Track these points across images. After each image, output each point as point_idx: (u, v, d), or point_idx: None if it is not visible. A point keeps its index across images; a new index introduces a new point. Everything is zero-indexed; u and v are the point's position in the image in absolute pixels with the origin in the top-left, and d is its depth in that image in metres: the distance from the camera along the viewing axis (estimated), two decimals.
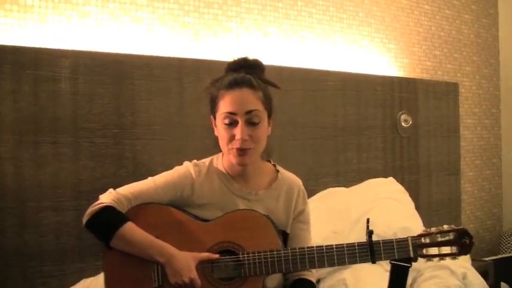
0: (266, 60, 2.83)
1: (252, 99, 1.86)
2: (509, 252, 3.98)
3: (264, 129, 1.91)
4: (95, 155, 2.32)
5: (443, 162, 3.73)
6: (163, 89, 2.49)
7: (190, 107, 2.53)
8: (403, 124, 3.43)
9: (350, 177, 3.12)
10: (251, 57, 1.98)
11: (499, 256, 3.74)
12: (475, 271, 2.60)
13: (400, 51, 3.63)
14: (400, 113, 3.43)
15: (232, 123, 1.85)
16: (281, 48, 3.05)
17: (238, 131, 1.83)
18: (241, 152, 1.85)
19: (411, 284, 2.46)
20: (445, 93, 3.73)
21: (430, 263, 2.40)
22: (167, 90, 2.50)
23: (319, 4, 3.23)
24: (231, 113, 1.84)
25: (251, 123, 1.85)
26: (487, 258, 3.63)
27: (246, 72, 1.92)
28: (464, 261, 2.62)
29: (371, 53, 3.47)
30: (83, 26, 2.40)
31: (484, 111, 4.23)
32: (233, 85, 1.87)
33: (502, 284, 2.37)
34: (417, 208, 2.98)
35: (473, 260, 2.73)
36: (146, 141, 2.44)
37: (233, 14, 2.86)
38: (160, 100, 2.48)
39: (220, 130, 1.90)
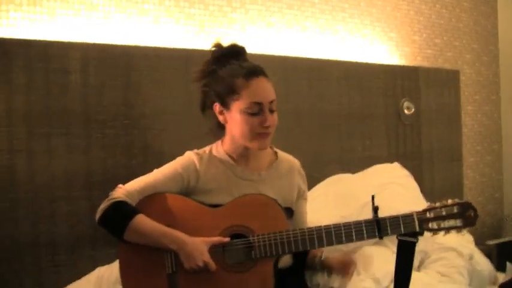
0: (270, 50, 2.90)
1: (271, 89, 1.98)
2: (511, 236, 4.02)
3: (277, 116, 2.00)
4: (105, 146, 2.36)
5: (445, 149, 3.77)
6: (170, 79, 2.53)
7: (196, 97, 2.56)
8: (405, 111, 3.46)
9: (354, 165, 3.15)
10: (239, 43, 2.09)
11: (502, 240, 3.78)
12: (480, 252, 2.65)
13: (401, 40, 3.67)
14: (403, 100, 3.47)
15: (257, 113, 1.93)
16: (285, 38, 3.08)
17: (267, 119, 1.93)
18: (265, 137, 1.96)
19: (419, 266, 2.51)
20: (446, 80, 3.77)
21: (437, 245, 2.47)
22: (174, 81, 2.54)
23: None
24: (258, 103, 1.93)
25: (272, 111, 1.96)
26: (489, 242, 3.68)
27: (235, 58, 2.03)
28: (469, 242, 2.66)
29: (373, 42, 3.51)
30: (91, 18, 2.44)
31: (484, 98, 4.26)
32: (253, 74, 1.95)
33: (508, 264, 2.41)
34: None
35: (476, 244, 2.77)
36: (156, 131, 2.48)
37: (237, 5, 2.89)
38: (168, 91, 2.52)
39: (238, 118, 1.95)
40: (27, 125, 2.21)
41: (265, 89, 1.95)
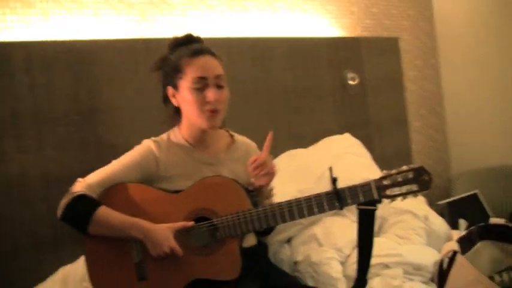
0: (212, 33, 2.90)
1: (217, 65, 1.99)
2: (460, 194, 4.14)
3: (228, 93, 2.01)
4: (58, 144, 2.33)
5: (392, 116, 3.86)
6: (118, 71, 2.51)
7: (146, 85, 2.55)
8: (350, 82, 3.50)
9: (306, 139, 3.20)
10: (194, 33, 2.09)
11: (451, 199, 3.89)
12: (434, 213, 2.74)
13: (339, 12, 3.70)
14: (346, 71, 3.51)
15: (202, 88, 1.94)
16: (227, 20, 3.09)
17: (211, 94, 1.93)
18: (214, 113, 1.95)
19: (378, 231, 2.58)
20: (386, 48, 3.84)
21: (393, 210, 2.55)
22: (122, 73, 2.52)
23: None
24: (202, 78, 1.94)
25: (219, 86, 1.96)
26: (440, 202, 3.79)
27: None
28: (423, 204, 2.76)
29: (312, 16, 3.54)
30: (30, 16, 2.38)
31: (424, 63, 4.35)
32: (198, 53, 1.97)
33: (461, 220, 2.51)
34: None
35: (429, 204, 2.87)
36: (107, 124, 2.46)
37: None
38: (117, 83, 2.50)
39: (186, 96, 1.97)
40: None
41: (209, 64, 1.97)
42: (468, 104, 4.38)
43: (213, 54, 2.00)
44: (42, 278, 2.22)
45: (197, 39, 2.07)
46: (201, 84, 1.94)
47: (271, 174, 2.00)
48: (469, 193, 3.90)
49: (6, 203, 2.20)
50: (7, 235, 2.20)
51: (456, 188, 4.18)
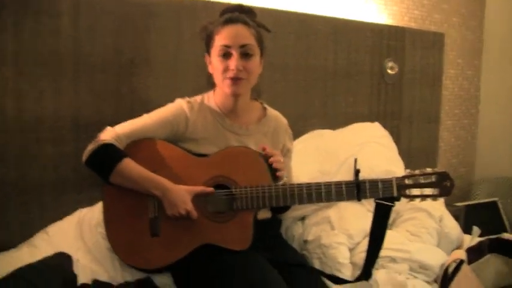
0: (260, 3, 2.89)
1: (246, 34, 1.99)
2: (479, 199, 4.13)
3: (257, 63, 2.03)
4: (94, 90, 2.35)
5: (425, 110, 3.83)
6: (161, 27, 2.51)
7: (187, 45, 2.56)
8: (389, 71, 3.49)
9: (337, 120, 3.21)
10: (245, 4, 2.09)
11: (470, 202, 3.89)
12: (449, 215, 2.73)
13: None
14: (387, 60, 3.49)
15: (227, 55, 1.97)
16: None
17: (232, 61, 1.95)
18: (235, 81, 1.97)
19: (391, 225, 2.58)
20: (431, 43, 3.79)
21: (409, 206, 2.56)
22: (165, 29, 2.52)
23: None
24: (226, 46, 1.96)
25: (245, 56, 1.97)
26: (458, 204, 3.79)
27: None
28: (440, 204, 2.75)
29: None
30: None
31: (466, 63, 4.31)
32: (228, 21, 1.99)
33: (474, 227, 2.50)
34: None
35: (445, 205, 2.86)
36: (144, 78, 2.48)
37: None
38: (158, 38, 2.50)
39: (215, 63, 2.00)
40: (15, 64, 2.17)
41: (237, 33, 1.97)
42: (503, 111, 4.33)
43: (246, 23, 2.00)
44: (61, 217, 2.27)
45: (248, 10, 2.08)
46: (225, 52, 1.97)
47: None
48: (488, 200, 3.90)
49: (35, 139, 2.23)
50: (33, 171, 2.23)
51: (477, 193, 4.17)
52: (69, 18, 2.27)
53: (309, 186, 1.92)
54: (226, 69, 1.97)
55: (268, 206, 1.96)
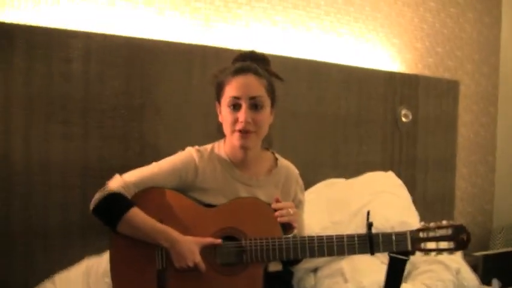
0: (273, 50, 2.90)
1: (256, 85, 1.96)
2: (498, 248, 4.04)
3: (267, 115, 1.99)
4: (103, 135, 2.35)
5: (440, 158, 3.78)
6: (171, 73, 2.52)
7: (197, 92, 2.56)
8: (403, 119, 3.46)
9: (349, 169, 3.16)
10: (258, 51, 2.08)
11: (489, 252, 3.80)
12: (467, 267, 2.66)
13: (403, 46, 3.66)
14: (401, 107, 3.47)
15: (236, 107, 1.94)
16: (289, 37, 3.07)
17: (242, 114, 1.92)
18: (244, 134, 1.93)
19: (406, 277, 2.51)
20: (445, 90, 3.77)
21: (425, 257, 2.48)
22: (175, 75, 2.53)
23: None
24: (235, 97, 1.93)
25: (254, 107, 1.94)
26: (476, 253, 3.70)
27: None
28: (457, 255, 2.67)
29: (375, 47, 3.50)
30: (96, 7, 2.42)
31: (481, 109, 4.27)
32: (239, 71, 1.96)
33: (494, 280, 2.43)
34: (412, 202, 3.03)
35: (463, 255, 2.79)
36: (153, 124, 2.48)
37: (243, 1, 2.88)
38: (168, 84, 2.51)
39: (224, 114, 1.98)
40: (25, 109, 2.19)
41: (247, 84, 1.94)
42: None
43: (257, 73, 1.97)
44: (68, 265, 2.25)
45: (261, 57, 2.06)
46: (235, 103, 1.94)
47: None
48: (508, 249, 3.81)
49: (43, 183, 2.23)
50: (39, 216, 2.22)
51: (496, 242, 4.08)
52: (79, 63, 2.30)
53: (320, 238, 1.87)
54: (235, 121, 1.94)
55: (278, 258, 1.91)
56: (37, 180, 2.22)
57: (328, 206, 2.67)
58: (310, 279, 2.43)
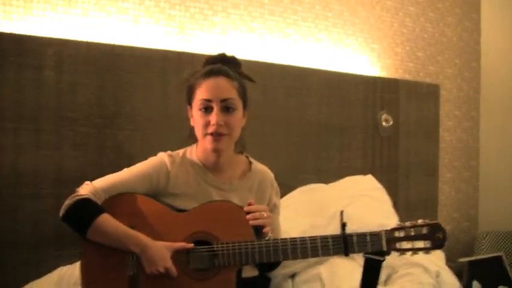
0: (251, 56, 2.88)
1: (227, 88, 1.94)
2: (484, 253, 4.02)
3: (239, 118, 1.97)
4: (76, 144, 2.32)
5: (422, 163, 3.77)
6: (146, 80, 2.50)
7: (172, 99, 2.54)
8: (383, 124, 3.45)
9: (330, 175, 3.14)
10: (228, 53, 2.05)
11: (473, 257, 3.78)
12: (448, 270, 2.63)
13: (383, 52, 3.66)
14: (381, 112, 3.46)
15: (208, 110, 1.92)
16: (266, 44, 3.06)
17: (213, 116, 1.90)
18: (216, 137, 1.91)
19: (385, 281, 2.49)
20: (426, 94, 3.77)
21: (404, 260, 2.46)
22: (150, 82, 2.51)
23: (305, 2, 3.24)
24: (206, 100, 1.91)
25: (226, 110, 1.92)
26: (461, 259, 3.68)
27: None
28: (439, 259, 2.66)
29: (355, 52, 3.49)
30: (69, 15, 2.40)
31: (464, 114, 4.27)
32: (210, 74, 1.95)
33: (474, 282, 2.40)
34: (395, 207, 3.00)
35: (448, 260, 2.77)
36: (128, 131, 2.45)
37: (219, 9, 2.86)
38: (143, 91, 2.49)
39: (196, 117, 1.96)
40: None
41: (218, 86, 1.92)
42: (504, 162, 4.26)
43: (228, 76, 1.95)
44: (41, 274, 2.22)
45: (231, 60, 2.04)
46: (206, 106, 1.92)
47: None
48: (493, 254, 3.79)
49: (14, 194, 2.20)
50: (11, 226, 2.19)
51: (481, 247, 4.07)
52: (52, 71, 2.27)
53: (293, 241, 1.84)
54: (207, 124, 1.92)
55: (251, 262, 1.87)
56: (7, 192, 2.19)
57: (308, 210, 2.65)
58: (288, 285, 2.40)
